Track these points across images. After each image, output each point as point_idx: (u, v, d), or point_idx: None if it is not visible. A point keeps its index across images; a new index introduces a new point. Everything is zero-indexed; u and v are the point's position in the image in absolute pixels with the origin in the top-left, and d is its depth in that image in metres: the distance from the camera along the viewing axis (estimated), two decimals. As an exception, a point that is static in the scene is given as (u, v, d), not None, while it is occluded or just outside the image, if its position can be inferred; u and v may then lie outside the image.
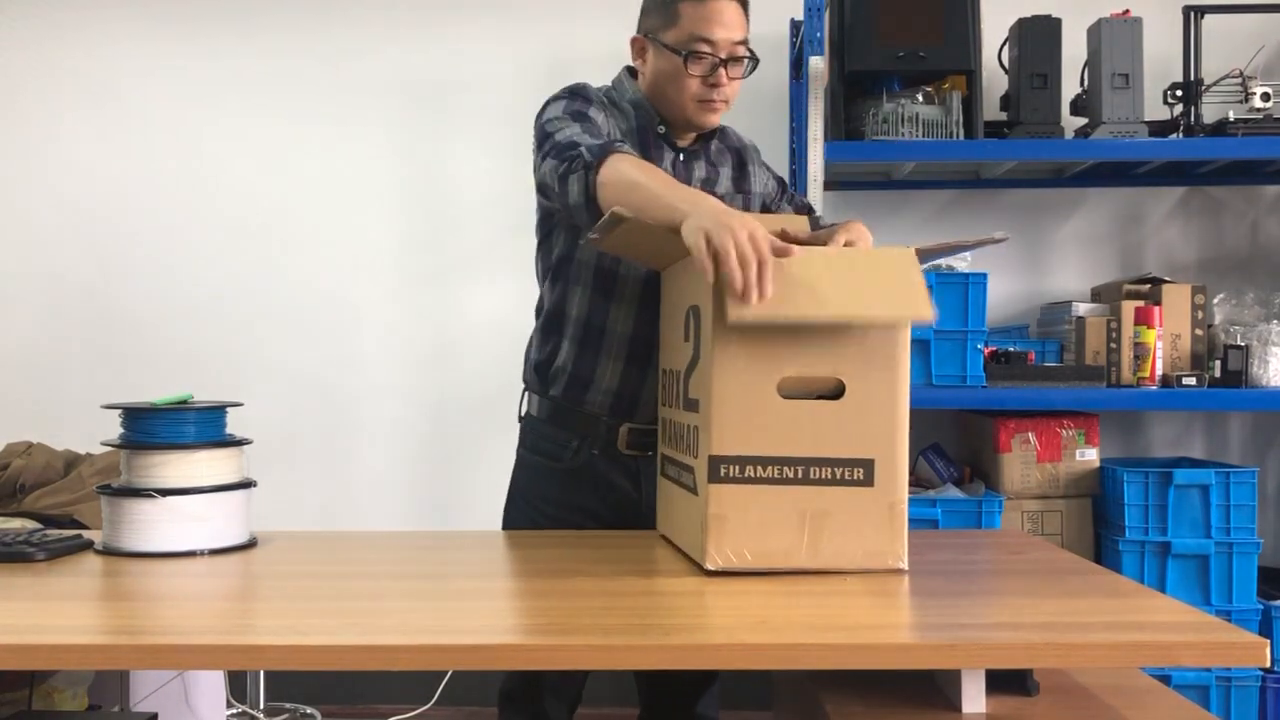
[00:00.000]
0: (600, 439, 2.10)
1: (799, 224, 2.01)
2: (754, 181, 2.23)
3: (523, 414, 2.22)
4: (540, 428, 2.16)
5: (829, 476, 1.68)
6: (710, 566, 1.65)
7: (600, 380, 2.09)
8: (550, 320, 2.14)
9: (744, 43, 2.05)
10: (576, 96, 2.06)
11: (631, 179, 1.77)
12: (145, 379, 3.57)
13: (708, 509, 1.66)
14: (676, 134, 2.13)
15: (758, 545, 1.66)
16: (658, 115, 2.10)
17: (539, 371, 2.16)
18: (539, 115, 2.06)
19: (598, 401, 2.09)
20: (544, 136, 1.99)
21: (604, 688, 2.26)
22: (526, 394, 2.21)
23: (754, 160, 2.26)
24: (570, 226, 2.04)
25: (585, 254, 2.06)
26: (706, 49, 2.01)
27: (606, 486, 2.11)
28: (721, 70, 2.03)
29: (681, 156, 2.14)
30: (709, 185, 2.15)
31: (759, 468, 1.66)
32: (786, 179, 3.57)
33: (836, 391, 1.68)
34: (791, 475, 1.67)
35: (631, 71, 2.17)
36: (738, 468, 1.66)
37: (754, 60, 2.06)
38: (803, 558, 1.67)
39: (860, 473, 1.68)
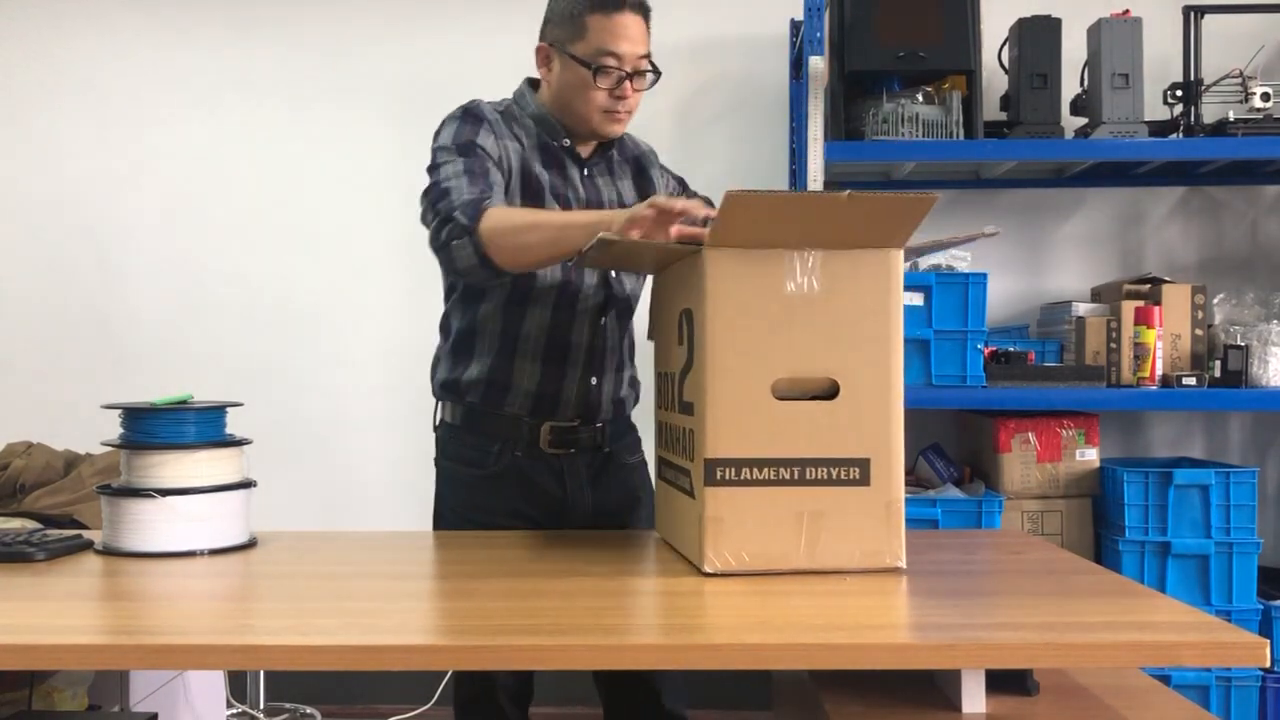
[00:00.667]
0: (523, 440, 2.11)
1: None
2: (657, 185, 2.26)
3: (437, 423, 2.22)
4: (459, 435, 2.16)
5: (825, 477, 1.68)
6: (708, 569, 1.65)
7: (519, 383, 2.10)
8: (462, 337, 2.14)
9: (648, 56, 2.10)
10: (468, 119, 2.08)
11: (519, 223, 1.90)
12: (145, 379, 3.57)
13: (704, 512, 1.66)
14: (578, 144, 2.17)
15: (755, 547, 1.66)
16: (561, 128, 2.13)
17: (448, 387, 2.16)
18: (435, 135, 2.10)
19: (518, 403, 2.10)
20: (431, 168, 2.04)
21: (557, 687, 2.25)
22: (440, 403, 2.21)
23: (653, 164, 2.30)
24: None
25: None
26: (614, 63, 2.05)
27: (531, 487, 2.12)
28: (627, 83, 2.07)
29: (586, 170, 2.18)
30: (615, 196, 2.19)
31: (755, 470, 1.66)
32: (787, 179, 3.58)
33: (830, 391, 1.68)
34: (788, 477, 1.67)
35: (533, 83, 2.19)
36: (734, 470, 1.66)
37: (656, 73, 2.11)
38: (800, 559, 1.67)
39: (856, 472, 1.69)
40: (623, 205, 2.17)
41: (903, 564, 1.69)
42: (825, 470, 1.68)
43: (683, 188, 2.33)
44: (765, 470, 1.67)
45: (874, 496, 1.69)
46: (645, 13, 2.10)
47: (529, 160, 2.10)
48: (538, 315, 2.09)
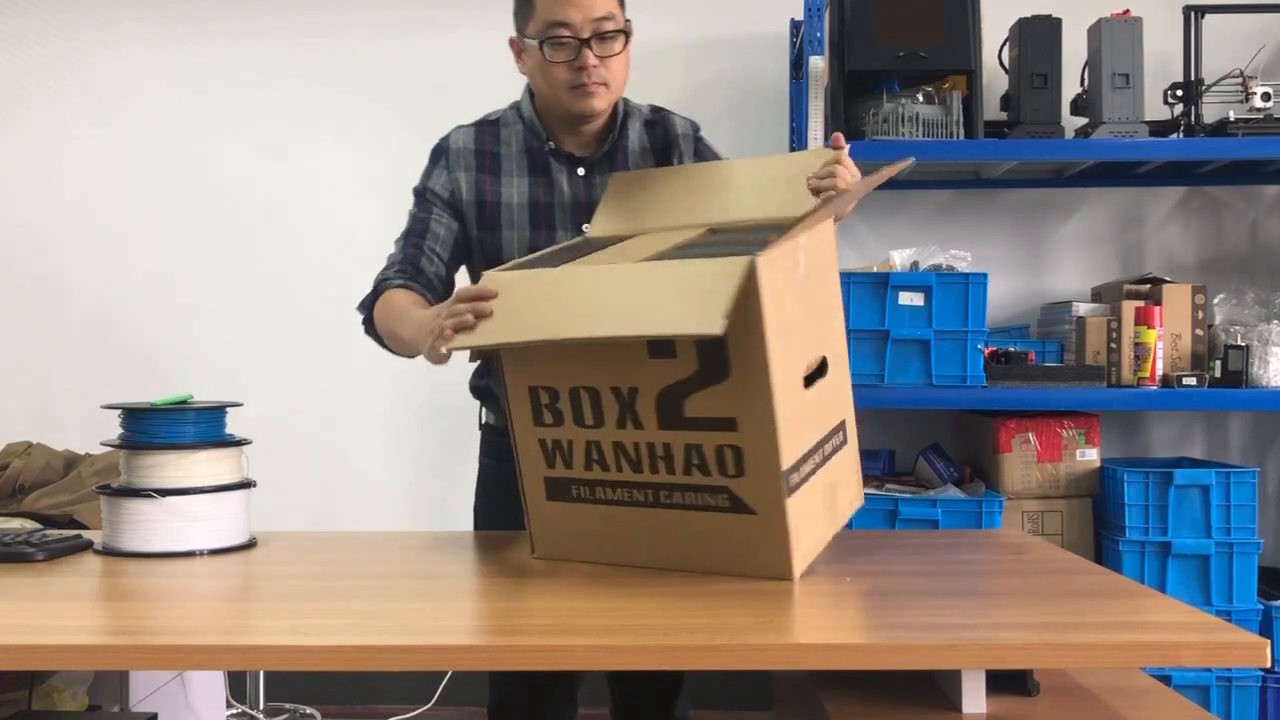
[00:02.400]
0: None
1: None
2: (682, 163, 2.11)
3: (482, 423, 2.20)
4: (499, 436, 2.11)
5: (832, 448, 1.73)
6: (797, 576, 1.62)
7: None
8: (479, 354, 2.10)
9: (609, 18, 1.94)
10: (431, 157, 2.12)
11: (386, 329, 2.01)
12: (145, 379, 3.57)
13: (786, 523, 1.59)
14: (570, 140, 2.05)
15: (813, 537, 1.67)
16: (544, 130, 2.05)
17: (480, 393, 2.16)
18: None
19: None
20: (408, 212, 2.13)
21: (603, 689, 2.25)
22: (481, 406, 2.19)
23: (684, 147, 2.12)
24: (482, 259, 2.07)
25: None
26: (565, 33, 1.93)
27: None
28: (586, 50, 1.93)
29: (581, 170, 2.06)
30: None
31: (805, 464, 1.65)
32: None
33: (822, 367, 1.71)
34: (819, 460, 1.69)
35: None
36: (798, 474, 1.62)
37: (625, 34, 1.97)
38: (830, 531, 1.73)
39: (843, 436, 1.77)
40: None
41: (863, 502, 1.86)
42: (832, 442, 1.73)
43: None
44: (810, 461, 1.65)
45: (851, 450, 1.81)
46: None
47: (487, 184, 2.04)
48: None
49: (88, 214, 3.78)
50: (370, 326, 2.06)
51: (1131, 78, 3.17)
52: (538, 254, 1.88)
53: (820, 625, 1.47)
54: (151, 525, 1.85)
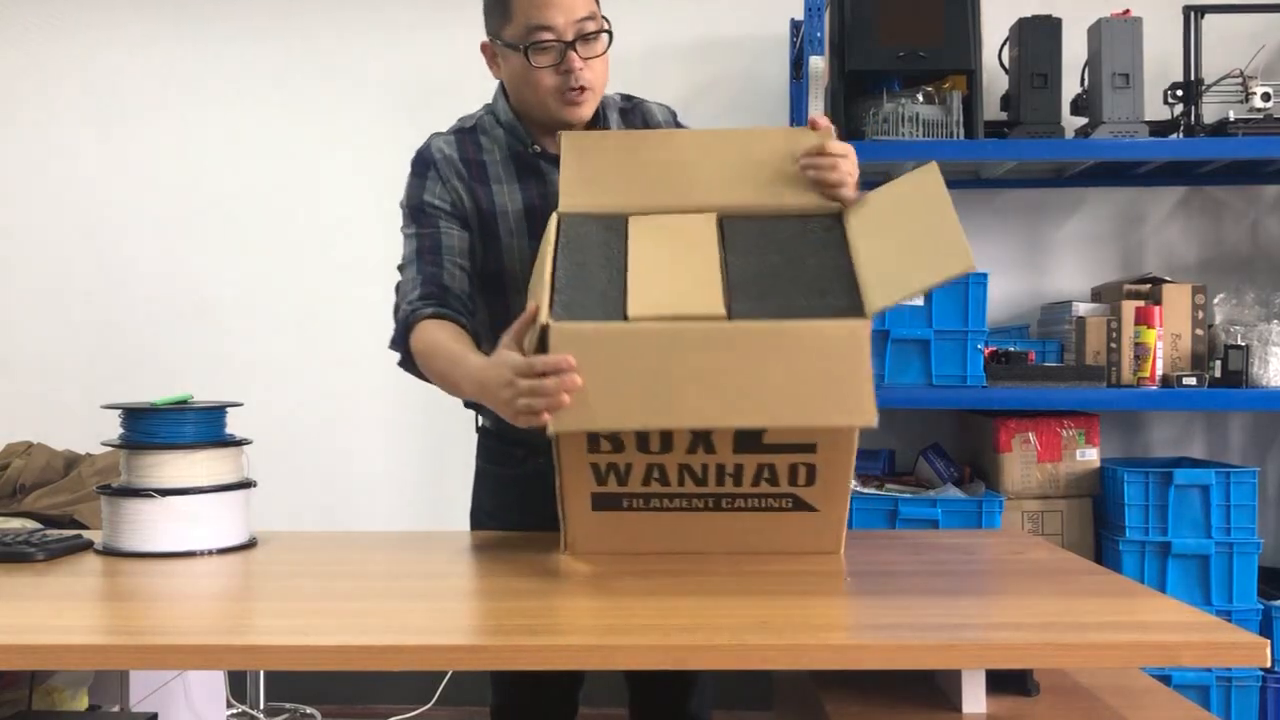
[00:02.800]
0: (543, 450, 1.94)
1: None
2: None
3: (478, 427, 2.16)
4: (493, 440, 2.11)
5: None
6: (842, 550, 1.79)
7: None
8: None
9: (591, 18, 1.88)
10: (417, 170, 1.98)
11: (432, 369, 1.85)
12: (145, 379, 3.57)
13: (845, 516, 1.77)
14: (553, 142, 1.96)
15: None
16: (528, 133, 1.97)
17: (471, 404, 2.08)
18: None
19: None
20: (403, 228, 1.99)
21: (604, 689, 2.25)
22: (476, 412, 2.15)
23: None
24: (481, 271, 1.99)
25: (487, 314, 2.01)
26: (549, 36, 1.86)
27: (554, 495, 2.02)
28: (571, 54, 1.86)
29: None
30: None
31: None
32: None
33: None
34: None
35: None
36: None
37: (608, 33, 1.90)
38: None
39: None
40: None
41: None
42: None
43: None
44: None
45: None
46: None
47: (479, 193, 1.96)
48: None
49: (88, 213, 3.78)
50: (408, 362, 1.92)
51: (1131, 78, 3.17)
52: (555, 276, 1.72)
53: (820, 625, 1.47)
54: (151, 525, 1.85)
